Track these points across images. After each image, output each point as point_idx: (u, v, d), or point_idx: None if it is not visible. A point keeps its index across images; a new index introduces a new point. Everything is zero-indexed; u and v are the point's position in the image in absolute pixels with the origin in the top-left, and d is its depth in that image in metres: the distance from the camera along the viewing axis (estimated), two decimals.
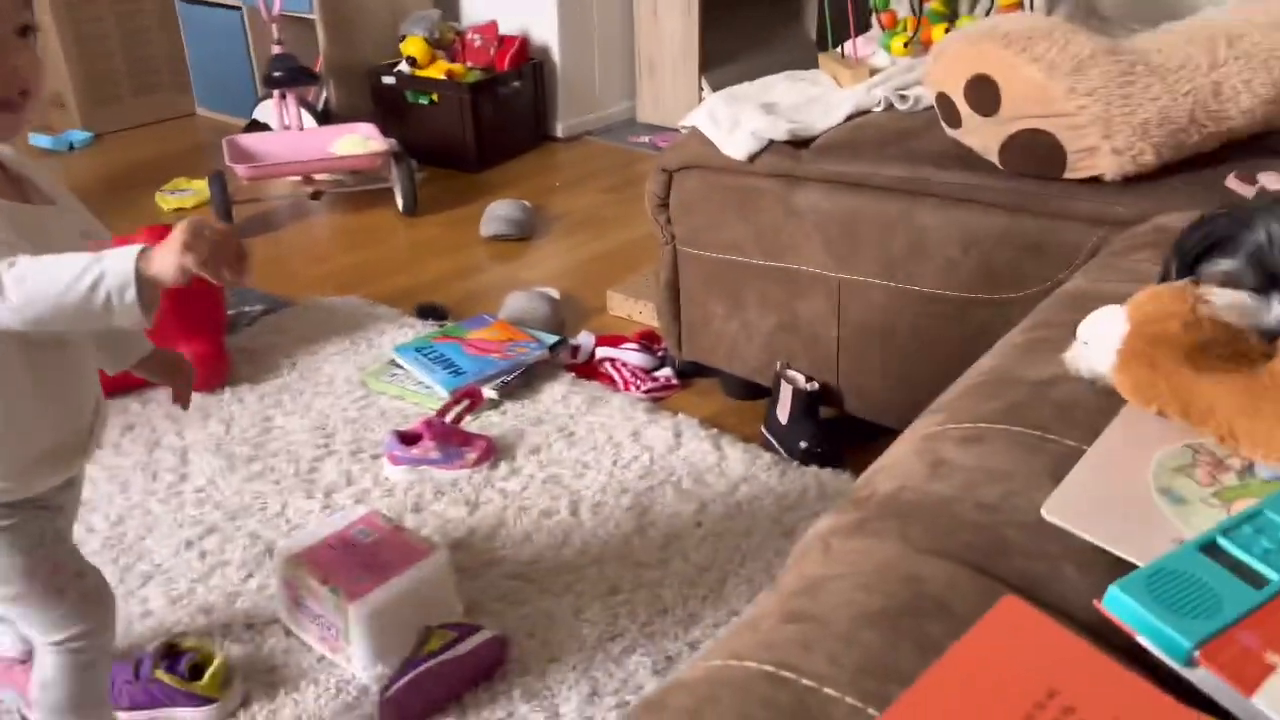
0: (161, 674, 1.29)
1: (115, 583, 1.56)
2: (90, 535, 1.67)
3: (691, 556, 1.59)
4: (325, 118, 3.44)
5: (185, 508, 1.74)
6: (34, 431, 1.02)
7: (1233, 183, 1.41)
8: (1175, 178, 1.47)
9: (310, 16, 3.46)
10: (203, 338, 2.08)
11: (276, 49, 3.19)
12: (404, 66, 3.44)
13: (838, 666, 0.60)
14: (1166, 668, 0.62)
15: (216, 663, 1.32)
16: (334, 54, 3.53)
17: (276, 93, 3.21)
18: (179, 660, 1.32)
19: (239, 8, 3.68)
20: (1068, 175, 1.51)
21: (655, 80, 3.83)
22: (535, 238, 2.90)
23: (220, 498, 1.77)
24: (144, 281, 0.87)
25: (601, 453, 1.85)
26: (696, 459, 1.83)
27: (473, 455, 1.80)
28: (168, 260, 0.87)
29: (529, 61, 3.57)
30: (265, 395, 2.08)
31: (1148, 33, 1.64)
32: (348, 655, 1.39)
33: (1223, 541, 0.69)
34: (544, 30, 3.64)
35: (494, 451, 1.84)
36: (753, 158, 1.77)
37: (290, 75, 3.14)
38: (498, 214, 2.89)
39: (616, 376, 2.13)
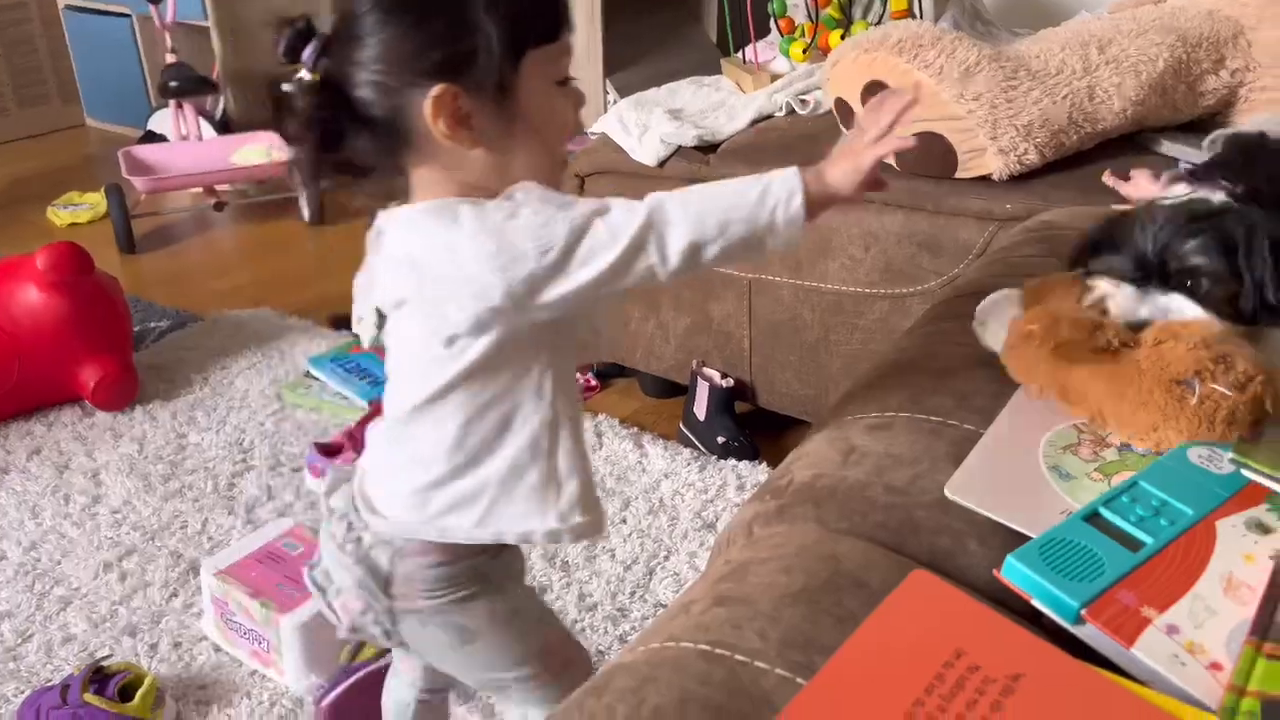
0: (91, 697, 1.28)
1: (32, 609, 1.54)
2: (2, 563, 1.63)
3: (618, 553, 1.63)
4: (224, 127, 3.38)
5: (101, 530, 1.71)
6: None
7: (1108, 179, 1.52)
8: (1057, 175, 1.57)
9: (204, 24, 3.39)
10: (109, 355, 2.04)
11: (170, 58, 3.12)
12: (304, 74, 3.39)
13: (766, 642, 0.65)
14: (1059, 627, 0.69)
15: (146, 683, 1.31)
16: (230, 62, 3.46)
17: (173, 103, 3.14)
18: (108, 683, 1.30)
19: (128, 15, 3.58)
20: (959, 175, 1.60)
21: None
22: None
23: (138, 518, 1.74)
24: (811, 195, 0.84)
25: None
26: (618, 458, 1.87)
27: None
28: (844, 167, 0.85)
29: None
30: (178, 412, 2.05)
31: (1027, 39, 1.75)
32: (281, 668, 1.39)
33: (1104, 511, 0.76)
34: None
35: None
36: (662, 163, 1.83)
37: (187, 84, 3.08)
38: None
39: None
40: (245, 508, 1.77)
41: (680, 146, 1.83)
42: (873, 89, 1.61)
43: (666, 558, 1.63)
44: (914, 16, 2.08)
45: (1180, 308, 0.92)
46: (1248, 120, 1.47)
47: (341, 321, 2.39)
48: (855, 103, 1.65)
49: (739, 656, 0.64)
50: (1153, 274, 0.93)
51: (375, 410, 1.92)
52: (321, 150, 0.84)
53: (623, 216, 0.82)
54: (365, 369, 2.10)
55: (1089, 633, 0.67)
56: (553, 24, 0.83)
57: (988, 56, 1.56)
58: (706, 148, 1.84)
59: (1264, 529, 0.75)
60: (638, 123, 1.89)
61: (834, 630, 0.66)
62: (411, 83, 0.80)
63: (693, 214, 0.82)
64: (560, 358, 0.91)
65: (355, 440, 1.80)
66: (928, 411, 0.93)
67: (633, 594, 1.55)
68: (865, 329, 1.75)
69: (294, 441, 1.95)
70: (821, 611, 0.68)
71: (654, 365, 2.06)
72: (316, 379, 2.12)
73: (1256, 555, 0.72)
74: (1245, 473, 0.80)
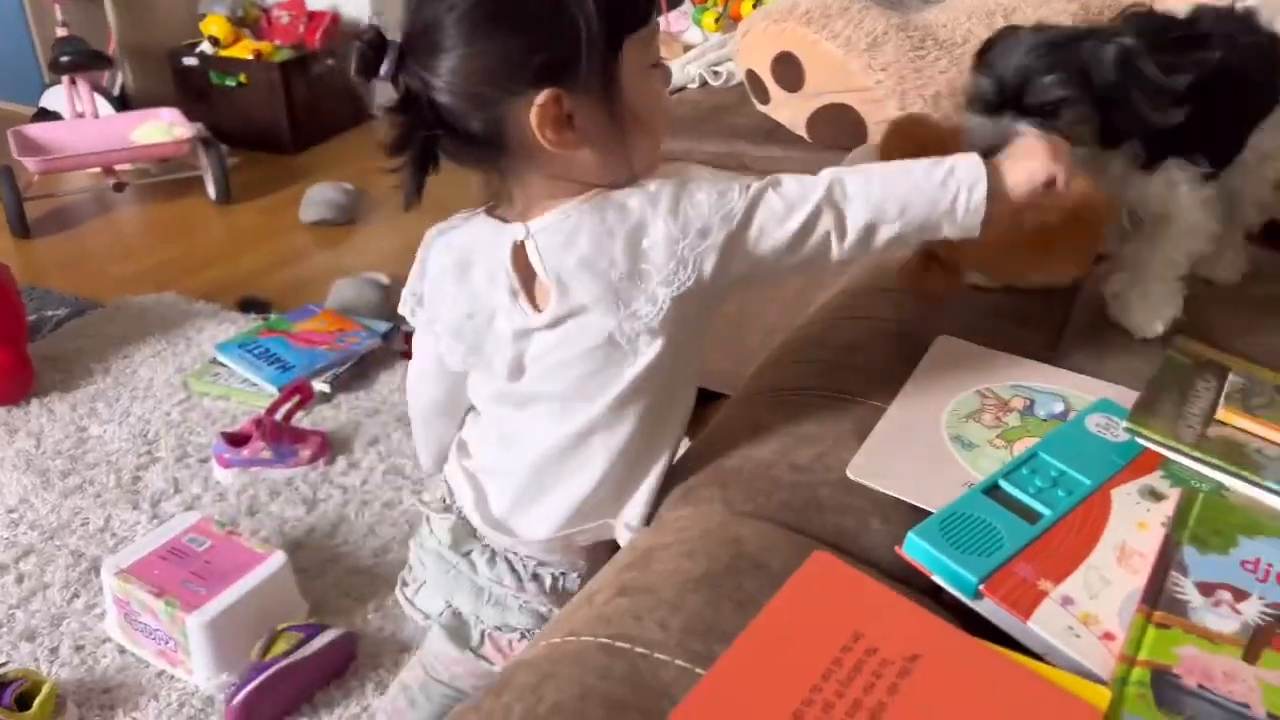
0: None
1: None
2: None
3: None
4: (122, 104, 3.24)
5: None
6: None
7: None
8: None
9: None
10: (1, 346, 1.94)
11: (62, 31, 2.97)
12: (206, 47, 3.27)
13: (667, 632, 0.64)
14: (961, 602, 0.69)
15: (45, 689, 1.26)
16: (127, 35, 3.31)
17: (66, 78, 3.00)
18: (4, 691, 1.24)
19: None
20: None
21: None
22: (360, 221, 2.82)
23: (35, 517, 1.67)
24: (993, 185, 0.78)
25: None
26: None
27: (307, 452, 1.76)
28: (1026, 167, 0.79)
29: (342, 36, 3.46)
30: (77, 404, 1.96)
31: (934, 8, 1.75)
32: (189, 667, 1.35)
33: (1003, 484, 0.77)
34: (355, 4, 3.53)
35: (329, 447, 1.81)
36: None
37: (80, 59, 2.94)
38: (318, 198, 2.80)
39: None
40: (150, 502, 1.70)
41: None
42: (783, 60, 1.60)
43: None
44: None
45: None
46: None
47: (250, 304, 2.31)
48: (766, 74, 1.63)
49: (639, 649, 0.63)
50: (1010, 102, 0.91)
51: (285, 395, 1.88)
52: (419, 170, 0.79)
53: (797, 188, 0.79)
54: (274, 353, 2.04)
55: (987, 607, 0.67)
56: (645, 6, 0.78)
57: (895, 26, 1.56)
58: None
59: (1156, 496, 0.76)
60: None
61: (735, 616, 0.65)
62: (511, 91, 0.74)
63: (875, 192, 0.78)
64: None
65: (264, 429, 1.75)
66: (834, 388, 0.93)
67: None
68: (783, 301, 1.74)
69: (201, 431, 1.88)
70: (723, 597, 0.67)
71: None
72: (224, 365, 2.05)
73: (1149, 523, 0.73)
74: (1140, 440, 0.81)
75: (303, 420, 1.89)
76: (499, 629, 0.92)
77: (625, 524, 0.89)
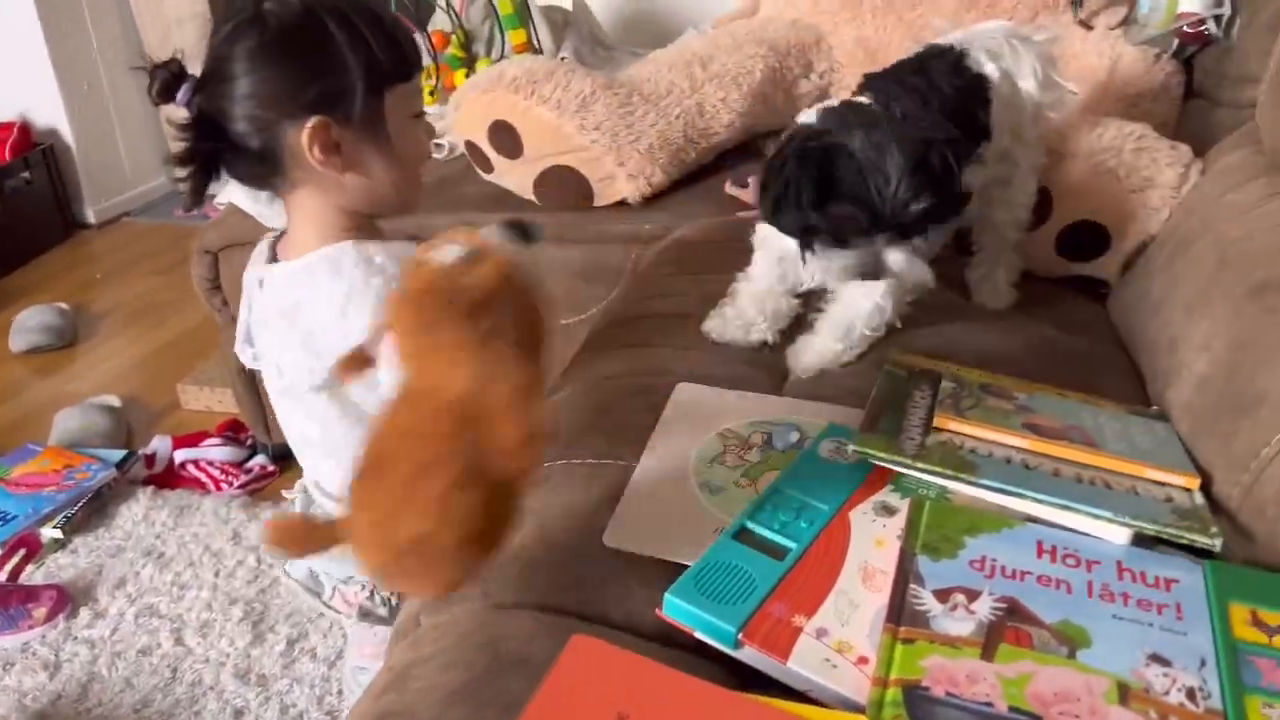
0: None
1: None
2: None
3: (320, 651, 1.51)
4: None
5: None
6: None
7: (730, 189, 1.61)
8: (685, 192, 1.64)
9: None
10: None
11: None
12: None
13: None
14: (728, 655, 0.69)
15: None
16: None
17: None
18: None
19: None
20: (598, 203, 1.63)
21: None
22: (80, 342, 2.58)
23: None
24: None
25: (200, 567, 1.70)
26: None
27: (42, 610, 1.58)
28: None
29: (36, 148, 3.18)
30: None
31: (637, 64, 1.82)
32: None
33: (750, 525, 0.78)
34: (47, 112, 3.26)
35: (68, 600, 1.62)
36: None
37: None
38: (29, 323, 2.54)
39: (204, 478, 1.97)
40: None
41: None
42: (499, 128, 1.60)
43: None
44: (534, 49, 2.10)
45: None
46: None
47: None
48: (484, 144, 1.63)
49: None
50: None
51: (8, 551, 1.68)
52: (203, 178, 0.89)
53: None
54: None
55: (749, 654, 0.68)
56: (406, 66, 0.91)
57: (601, 85, 1.60)
58: None
59: (889, 510, 0.80)
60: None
61: None
62: (288, 115, 0.86)
63: None
64: None
65: None
66: (582, 455, 0.92)
67: (340, 692, 1.44)
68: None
69: None
70: (485, 705, 0.64)
71: None
72: None
73: (886, 539, 0.77)
74: (868, 459, 0.84)
75: (34, 575, 1.69)
76: (344, 582, 1.03)
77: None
